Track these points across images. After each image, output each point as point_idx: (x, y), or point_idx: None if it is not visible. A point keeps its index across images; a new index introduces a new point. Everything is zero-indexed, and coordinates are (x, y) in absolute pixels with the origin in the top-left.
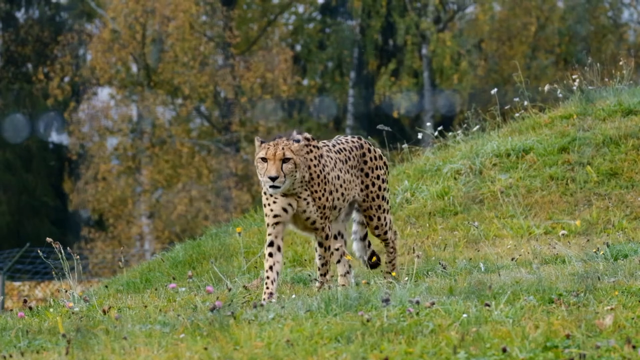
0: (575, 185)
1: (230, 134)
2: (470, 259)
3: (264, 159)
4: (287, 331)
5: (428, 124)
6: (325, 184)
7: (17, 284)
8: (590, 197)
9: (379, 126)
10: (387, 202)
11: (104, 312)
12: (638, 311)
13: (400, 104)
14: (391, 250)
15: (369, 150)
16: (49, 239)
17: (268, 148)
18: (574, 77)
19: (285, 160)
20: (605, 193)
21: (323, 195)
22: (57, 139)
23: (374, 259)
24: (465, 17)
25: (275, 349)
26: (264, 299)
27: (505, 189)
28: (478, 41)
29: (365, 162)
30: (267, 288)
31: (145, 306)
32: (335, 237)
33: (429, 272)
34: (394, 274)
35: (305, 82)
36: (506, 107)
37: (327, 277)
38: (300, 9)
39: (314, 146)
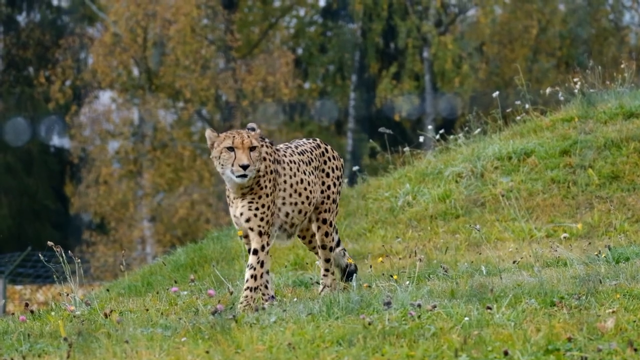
0: (576, 188)
1: None
2: (472, 262)
3: (231, 149)
4: (289, 334)
5: (429, 127)
6: (275, 186)
7: (18, 287)
8: (592, 200)
9: (381, 129)
10: (337, 211)
11: (105, 315)
12: None
13: (401, 107)
14: (329, 270)
15: (327, 150)
16: (50, 243)
17: (234, 137)
18: (575, 80)
19: (252, 148)
20: (606, 196)
21: (269, 194)
22: (59, 142)
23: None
24: (467, 20)
25: (277, 352)
26: (263, 304)
27: (506, 192)
28: (479, 44)
29: (325, 162)
30: (264, 295)
31: (147, 309)
32: (317, 253)
33: (431, 275)
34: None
35: (306, 85)
36: (507, 110)
37: (255, 294)
38: (302, 12)
39: (269, 145)
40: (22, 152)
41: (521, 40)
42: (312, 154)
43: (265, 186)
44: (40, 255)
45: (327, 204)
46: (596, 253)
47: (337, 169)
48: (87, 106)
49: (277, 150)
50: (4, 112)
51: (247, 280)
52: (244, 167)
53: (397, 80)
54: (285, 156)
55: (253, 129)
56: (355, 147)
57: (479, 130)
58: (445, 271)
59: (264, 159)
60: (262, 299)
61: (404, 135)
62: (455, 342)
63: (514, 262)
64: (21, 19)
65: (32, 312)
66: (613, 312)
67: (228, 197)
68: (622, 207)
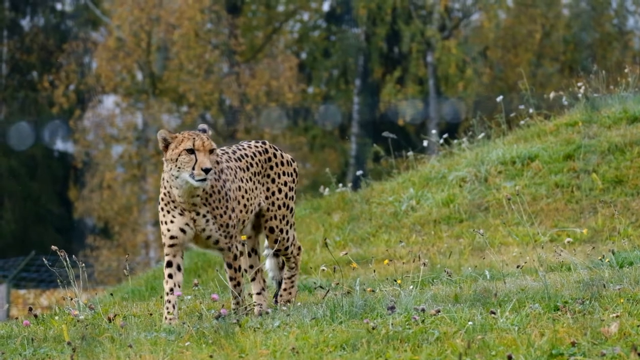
0: (580, 192)
1: (235, 142)
2: (476, 266)
3: (191, 151)
4: (293, 339)
5: (433, 131)
6: (227, 200)
7: (22, 292)
8: (596, 204)
9: (384, 134)
10: (292, 214)
11: (109, 320)
12: None
13: (405, 112)
14: (292, 266)
15: (275, 155)
16: (54, 247)
17: (194, 139)
18: (579, 84)
19: (211, 151)
20: (610, 200)
21: (225, 212)
22: (62, 146)
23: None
24: (471, 24)
25: (281, 356)
26: (166, 322)
27: (513, 195)
28: (483, 49)
29: (272, 167)
30: (169, 313)
31: (151, 314)
32: (249, 255)
33: (435, 280)
34: (289, 301)
35: (310, 89)
36: (511, 115)
37: (243, 296)
38: (306, 16)
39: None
40: (25, 156)
41: (525, 44)
42: (253, 159)
43: (217, 207)
44: (44, 259)
45: (272, 210)
46: (600, 257)
47: (285, 174)
48: (90, 110)
49: (219, 162)
50: (7, 117)
51: (231, 292)
52: (207, 171)
53: (401, 85)
54: (223, 162)
55: (205, 131)
56: (359, 151)
57: (482, 134)
58: (449, 275)
59: None
60: (165, 319)
61: (407, 139)
62: (459, 346)
63: (517, 267)
64: (25, 23)
65: (35, 316)
66: (617, 316)
67: (167, 204)
68: (626, 212)
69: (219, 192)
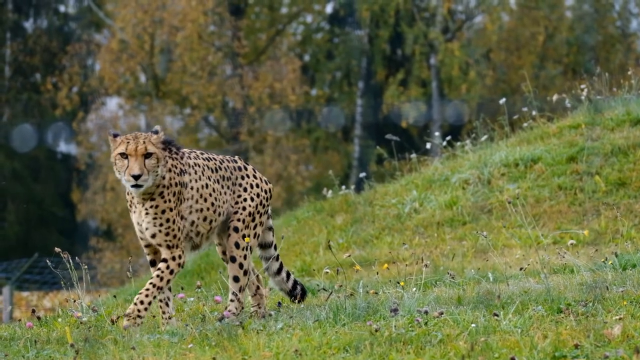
0: (583, 195)
1: (239, 144)
2: (479, 268)
3: (124, 155)
4: (296, 341)
5: (436, 133)
6: (181, 201)
7: (25, 294)
8: (599, 206)
9: (388, 136)
10: (256, 235)
11: (112, 322)
12: None
13: (408, 114)
14: (237, 296)
15: (246, 168)
16: (57, 249)
17: (128, 142)
18: (582, 86)
19: (147, 155)
20: (613, 203)
21: (172, 209)
22: (66, 149)
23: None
24: (474, 27)
25: (284, 358)
26: (163, 323)
27: (513, 198)
28: (486, 51)
29: (243, 177)
30: (164, 313)
31: (154, 316)
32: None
33: (438, 282)
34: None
35: (313, 92)
36: (514, 117)
37: (149, 300)
38: (309, 18)
39: (175, 154)
40: (29, 158)
41: (528, 47)
42: (222, 164)
43: (169, 200)
44: (47, 261)
45: (240, 213)
46: (603, 260)
47: (257, 187)
48: (94, 113)
49: (182, 157)
50: (11, 119)
51: (151, 280)
52: (135, 177)
53: (404, 87)
54: (190, 159)
55: (157, 132)
56: (362, 153)
57: (485, 137)
58: (452, 278)
59: (169, 170)
60: (162, 317)
61: (410, 142)
62: (462, 348)
63: (520, 269)
64: (28, 25)
65: (39, 318)
66: (620, 319)
67: (130, 202)
68: (628, 214)
69: (176, 185)
